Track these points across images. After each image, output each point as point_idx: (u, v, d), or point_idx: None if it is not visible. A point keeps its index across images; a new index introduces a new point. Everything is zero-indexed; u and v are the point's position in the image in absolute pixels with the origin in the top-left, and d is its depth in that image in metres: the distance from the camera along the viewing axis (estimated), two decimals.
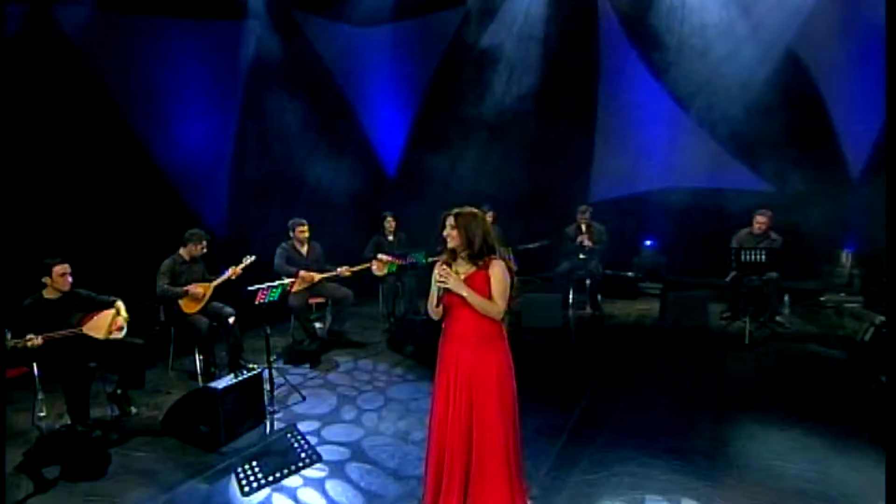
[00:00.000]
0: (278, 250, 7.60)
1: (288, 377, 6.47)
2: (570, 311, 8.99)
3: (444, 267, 3.52)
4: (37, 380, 5.52)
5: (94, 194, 7.58)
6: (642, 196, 10.57)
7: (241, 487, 4.60)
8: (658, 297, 8.76)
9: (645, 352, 7.39)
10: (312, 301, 7.79)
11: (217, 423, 5.18)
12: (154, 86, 8.03)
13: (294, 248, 7.65)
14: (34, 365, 5.48)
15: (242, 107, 9.15)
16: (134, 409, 5.85)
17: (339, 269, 7.51)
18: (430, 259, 7.82)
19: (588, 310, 9.09)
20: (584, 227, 8.99)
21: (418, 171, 10.46)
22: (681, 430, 5.26)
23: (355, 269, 7.83)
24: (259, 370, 5.65)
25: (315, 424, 5.59)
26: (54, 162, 7.27)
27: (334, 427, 5.53)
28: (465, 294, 3.48)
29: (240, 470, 4.83)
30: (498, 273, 3.45)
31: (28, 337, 5.11)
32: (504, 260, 3.51)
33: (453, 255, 3.54)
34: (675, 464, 4.74)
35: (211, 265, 6.85)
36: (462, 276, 3.49)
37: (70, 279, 5.49)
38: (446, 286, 3.51)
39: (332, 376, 6.77)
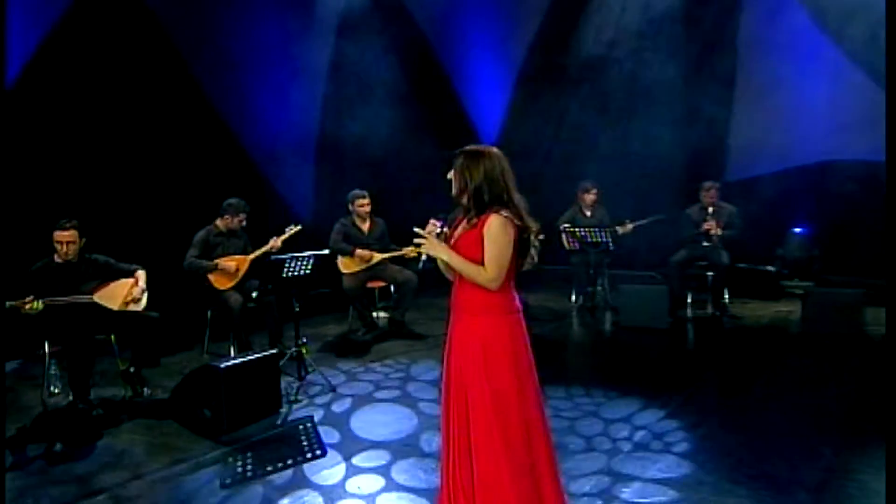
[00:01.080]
0: (336, 225, 7.45)
1: (323, 369, 6.23)
2: (688, 311, 8.13)
3: (432, 223, 3.20)
4: (47, 353, 5.63)
5: (168, 169, 7.81)
6: (792, 172, 9.42)
7: (223, 479, 4.36)
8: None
9: (770, 360, 6.51)
10: (372, 285, 7.56)
11: (220, 407, 4.99)
12: (233, 54, 8.21)
13: (354, 223, 7.46)
14: (45, 342, 5.58)
15: (328, 74, 9.25)
16: (147, 391, 5.83)
17: (404, 249, 7.21)
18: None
19: (709, 309, 8.20)
20: (710, 210, 8.09)
21: (519, 141, 10.02)
22: (787, 455, 4.48)
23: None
24: (276, 351, 5.48)
25: (334, 419, 5.31)
26: (128, 133, 7.57)
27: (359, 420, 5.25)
28: (444, 258, 3.13)
29: (230, 459, 4.62)
30: (493, 230, 3.02)
31: (28, 298, 5.15)
32: (514, 217, 3.06)
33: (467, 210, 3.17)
34: (763, 494, 3.98)
35: (263, 239, 6.73)
36: (456, 236, 3.15)
37: (72, 248, 5.46)
38: (424, 249, 3.16)
39: (373, 370, 6.49)
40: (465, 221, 3.14)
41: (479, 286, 3.05)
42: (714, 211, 8.07)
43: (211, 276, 6.47)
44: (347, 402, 5.60)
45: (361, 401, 5.61)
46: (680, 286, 8.11)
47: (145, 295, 5.73)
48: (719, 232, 7.94)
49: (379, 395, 5.75)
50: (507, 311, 3.10)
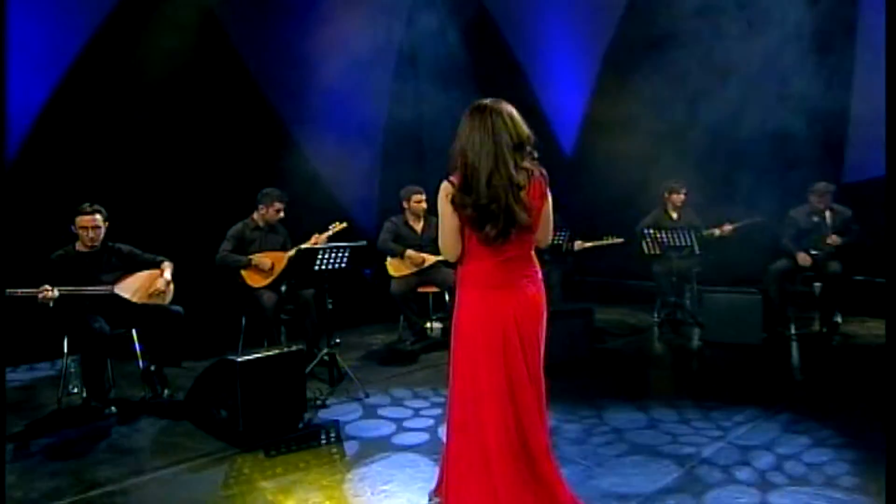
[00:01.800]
0: (386, 223, 7.32)
1: (362, 376, 6.03)
2: (791, 328, 7.52)
3: None
4: (65, 348, 5.66)
5: (210, 160, 7.94)
6: None
7: (227, 479, 4.21)
8: None
9: (872, 382, 5.91)
10: (424, 290, 7.37)
11: (236, 406, 4.84)
12: (295, 58, 8.34)
13: (406, 222, 7.32)
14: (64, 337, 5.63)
15: (394, 69, 9.39)
16: (168, 391, 5.76)
17: None
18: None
19: (815, 326, 7.58)
20: (827, 215, 7.50)
21: (601, 147, 9.68)
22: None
23: None
24: (302, 348, 5.30)
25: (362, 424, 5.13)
26: (189, 138, 7.78)
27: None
28: None
29: (239, 459, 4.48)
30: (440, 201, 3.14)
31: (43, 288, 5.19)
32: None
33: None
34: None
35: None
36: None
37: (98, 234, 5.53)
38: None
39: (415, 380, 6.25)
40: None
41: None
42: (832, 216, 7.48)
43: (244, 273, 6.42)
44: (380, 422, 5.32)
45: (390, 425, 5.33)
46: (779, 298, 7.50)
47: (171, 287, 5.72)
48: (838, 241, 7.35)
49: (409, 423, 5.25)
50: (471, 286, 3.17)
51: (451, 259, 3.18)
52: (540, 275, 3.24)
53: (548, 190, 3.17)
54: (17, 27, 6.39)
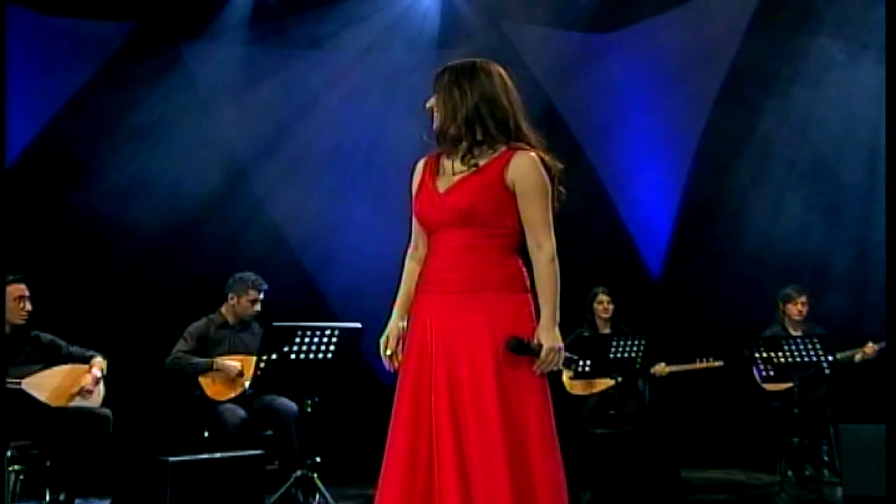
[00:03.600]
0: None
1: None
2: None
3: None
4: None
5: None
6: None
7: None
8: None
9: None
10: None
11: None
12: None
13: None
14: None
15: None
16: None
17: None
18: None
19: None
20: None
21: (693, 266, 9.31)
22: None
23: None
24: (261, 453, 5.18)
25: None
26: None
27: None
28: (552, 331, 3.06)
29: None
30: (529, 175, 3.04)
31: None
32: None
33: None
34: None
35: None
36: (445, 188, 3.04)
37: (25, 309, 5.45)
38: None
39: None
40: (453, 163, 3.01)
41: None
42: None
43: (203, 381, 6.03)
44: None
45: None
46: None
47: (100, 387, 5.59)
48: None
49: None
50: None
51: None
52: None
53: None
54: None
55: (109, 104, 7.61)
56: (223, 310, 6.32)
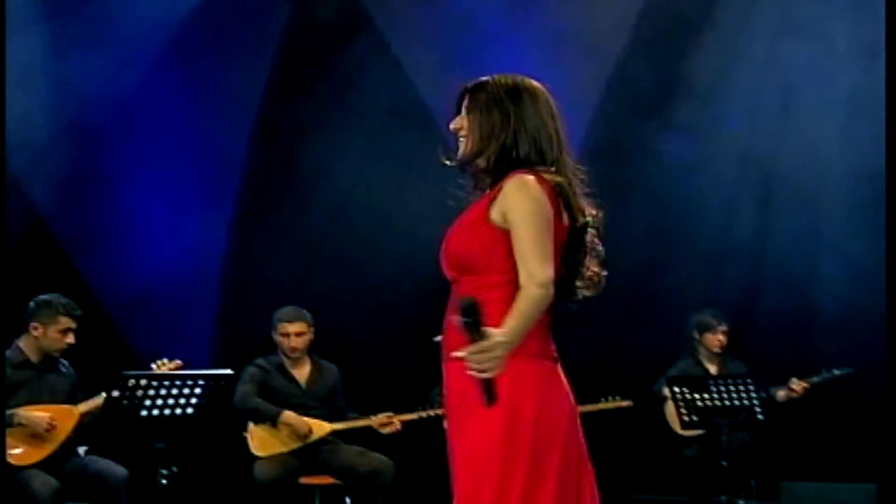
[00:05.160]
0: (249, 368, 6.97)
1: None
2: None
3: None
4: None
5: None
6: None
7: None
8: None
9: None
10: (309, 481, 7.12)
11: None
12: None
13: (281, 366, 7.14)
14: None
15: None
16: None
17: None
18: None
19: None
20: None
21: None
22: None
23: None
24: None
25: None
26: None
27: None
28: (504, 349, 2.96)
29: None
30: (514, 197, 3.04)
31: None
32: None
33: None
34: None
35: None
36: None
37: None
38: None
39: None
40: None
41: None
42: None
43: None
44: None
45: None
46: None
47: None
48: None
49: None
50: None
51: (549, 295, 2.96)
52: None
53: None
54: None
55: None
56: (21, 342, 6.11)
